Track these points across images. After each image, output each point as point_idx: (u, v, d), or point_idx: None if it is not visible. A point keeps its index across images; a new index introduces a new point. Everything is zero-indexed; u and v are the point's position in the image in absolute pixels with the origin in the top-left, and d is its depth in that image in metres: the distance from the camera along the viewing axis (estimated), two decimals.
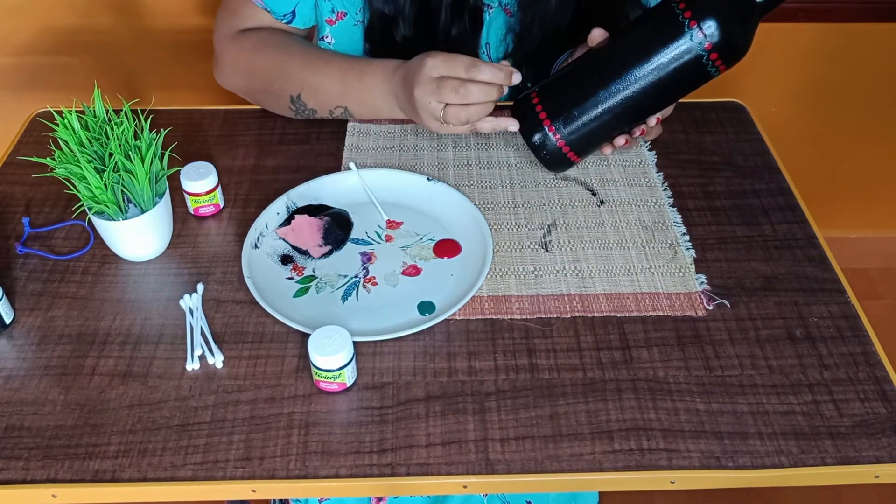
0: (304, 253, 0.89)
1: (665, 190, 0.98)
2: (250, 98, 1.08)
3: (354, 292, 0.85)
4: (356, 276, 0.86)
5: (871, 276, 2.06)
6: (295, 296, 0.84)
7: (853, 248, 2.04)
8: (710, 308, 0.84)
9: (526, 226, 0.93)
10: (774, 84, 1.76)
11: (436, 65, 0.87)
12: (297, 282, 0.86)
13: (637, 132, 0.90)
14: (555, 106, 0.87)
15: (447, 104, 0.88)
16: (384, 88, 0.97)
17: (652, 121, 0.90)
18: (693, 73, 0.84)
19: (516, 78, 0.87)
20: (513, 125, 0.89)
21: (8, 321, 0.81)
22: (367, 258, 0.89)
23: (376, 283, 0.86)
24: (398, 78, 0.95)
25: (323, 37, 1.07)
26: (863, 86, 1.79)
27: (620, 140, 0.90)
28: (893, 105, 1.83)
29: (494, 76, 0.86)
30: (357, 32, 1.05)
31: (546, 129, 0.87)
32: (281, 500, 1.28)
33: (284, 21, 1.04)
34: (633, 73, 0.84)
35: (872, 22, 1.68)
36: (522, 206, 0.96)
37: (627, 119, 0.88)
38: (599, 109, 0.86)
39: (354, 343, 0.76)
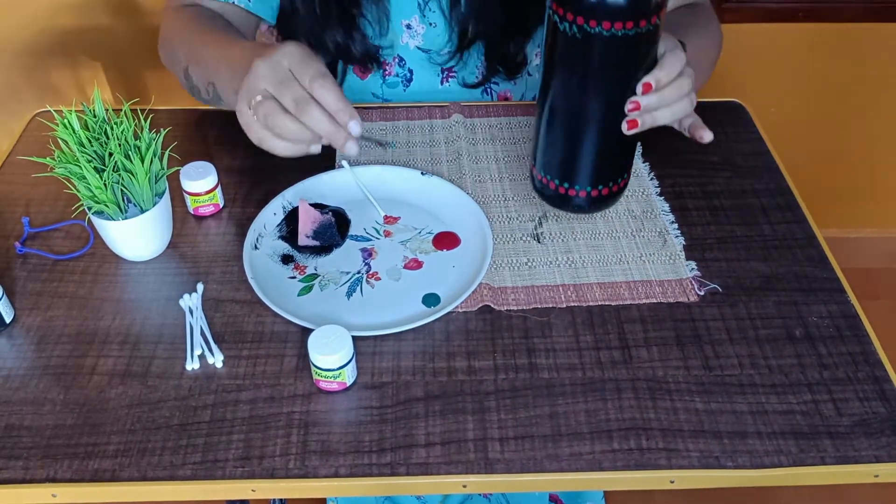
0: (294, 234, 0.89)
1: (652, 179, 0.99)
2: (175, 72, 1.03)
3: (358, 288, 0.85)
4: (358, 273, 0.87)
5: (871, 276, 2.07)
6: (299, 294, 0.84)
7: (853, 248, 2.05)
8: (702, 293, 0.84)
9: (517, 218, 0.94)
10: (774, 84, 1.76)
11: (292, 52, 0.77)
12: (300, 280, 0.86)
13: (629, 106, 0.81)
14: (545, 166, 0.88)
15: (272, 99, 0.77)
16: (242, 63, 0.82)
17: (640, 89, 0.80)
18: (615, 50, 0.78)
19: (354, 128, 0.78)
20: (351, 148, 0.78)
21: (8, 321, 0.82)
22: (368, 254, 0.89)
23: (379, 279, 0.86)
24: (259, 50, 0.82)
25: None
26: (863, 86, 1.79)
27: (624, 127, 0.85)
28: (893, 105, 1.83)
29: (337, 105, 0.76)
30: None
31: (546, 184, 0.89)
32: (281, 500, 1.28)
33: (241, 5, 1.04)
34: (579, 98, 0.81)
35: (872, 22, 1.68)
36: (513, 199, 0.96)
37: (609, 125, 0.83)
38: (579, 146, 0.84)
39: (362, 338, 0.76)
